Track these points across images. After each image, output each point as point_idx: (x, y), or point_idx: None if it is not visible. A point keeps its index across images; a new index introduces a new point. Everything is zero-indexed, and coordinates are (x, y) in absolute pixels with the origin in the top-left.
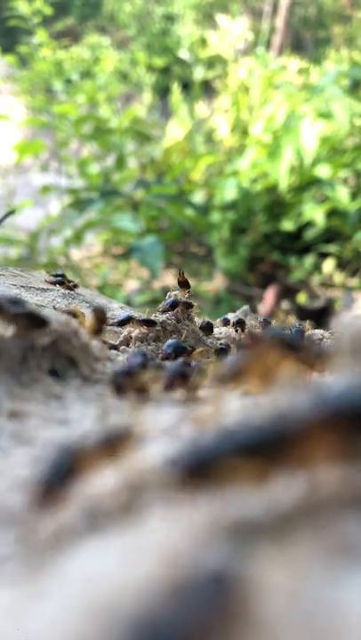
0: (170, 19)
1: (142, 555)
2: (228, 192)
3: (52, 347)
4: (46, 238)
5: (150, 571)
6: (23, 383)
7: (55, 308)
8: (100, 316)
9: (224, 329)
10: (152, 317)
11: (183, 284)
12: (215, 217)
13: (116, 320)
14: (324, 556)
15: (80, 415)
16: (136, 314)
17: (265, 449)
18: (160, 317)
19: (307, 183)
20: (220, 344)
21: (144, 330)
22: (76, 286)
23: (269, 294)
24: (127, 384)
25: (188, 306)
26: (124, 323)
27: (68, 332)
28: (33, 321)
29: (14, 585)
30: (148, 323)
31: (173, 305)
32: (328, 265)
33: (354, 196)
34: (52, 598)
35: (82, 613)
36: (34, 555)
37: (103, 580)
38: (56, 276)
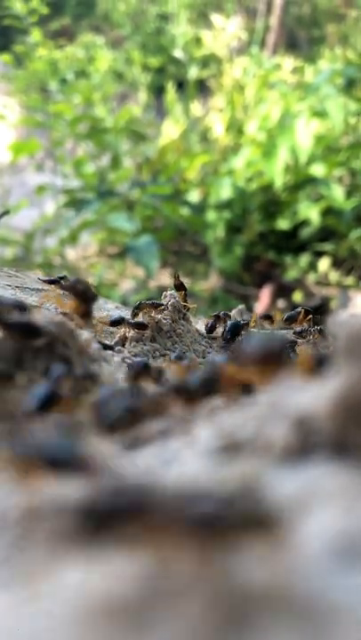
0: (164, 18)
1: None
2: (224, 191)
3: (47, 348)
4: (42, 238)
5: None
6: (18, 385)
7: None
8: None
9: (220, 328)
10: (144, 320)
11: (179, 287)
12: (210, 216)
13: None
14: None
15: None
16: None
17: None
18: (155, 317)
19: (302, 182)
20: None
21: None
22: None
23: (265, 293)
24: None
25: (141, 327)
26: (116, 323)
27: (63, 333)
28: (26, 331)
29: (8, 589)
30: (140, 326)
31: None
32: (323, 263)
33: (349, 194)
34: (46, 602)
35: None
36: (28, 558)
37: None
38: (59, 278)
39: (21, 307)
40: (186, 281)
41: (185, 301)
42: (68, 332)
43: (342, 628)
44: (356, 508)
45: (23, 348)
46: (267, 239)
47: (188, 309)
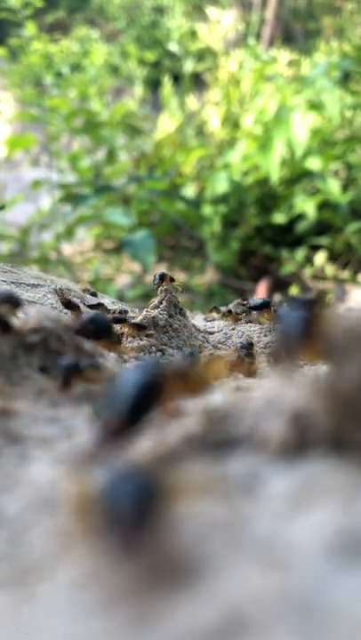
0: (159, 11)
1: None
2: (220, 185)
3: (42, 344)
4: (37, 233)
5: None
6: (13, 381)
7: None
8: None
9: (216, 322)
10: (143, 322)
11: (167, 279)
12: (206, 210)
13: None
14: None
15: (71, 413)
16: (129, 309)
17: None
18: (152, 312)
19: (298, 176)
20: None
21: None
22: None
23: (261, 287)
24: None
25: (141, 328)
26: (117, 321)
27: (58, 328)
28: None
29: (4, 587)
30: (139, 327)
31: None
32: (320, 257)
33: (345, 188)
34: (42, 601)
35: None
36: (25, 556)
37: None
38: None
39: (12, 299)
40: (182, 275)
41: (172, 280)
42: (63, 328)
43: (342, 629)
44: (354, 505)
45: (18, 343)
46: (263, 233)
47: (174, 283)
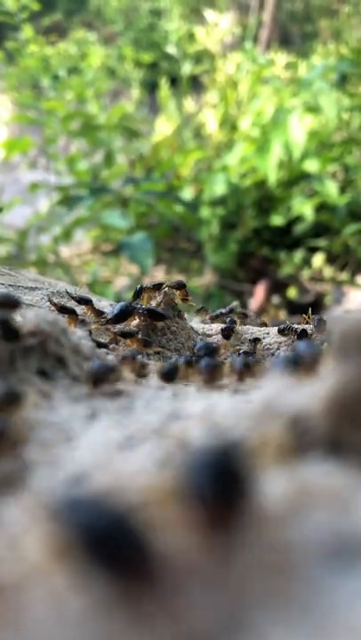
0: (157, 14)
1: None
2: (218, 187)
3: (40, 347)
4: (35, 236)
5: None
6: (11, 384)
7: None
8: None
9: (214, 325)
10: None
11: (179, 287)
12: (204, 212)
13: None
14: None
15: (69, 415)
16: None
17: None
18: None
19: (296, 178)
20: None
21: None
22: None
23: (260, 289)
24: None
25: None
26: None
27: (56, 331)
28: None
29: None
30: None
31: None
32: (318, 259)
33: (342, 190)
34: None
35: None
36: None
37: None
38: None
39: (11, 301)
40: (180, 277)
41: (186, 296)
42: (60, 331)
43: (340, 631)
44: (352, 508)
45: (16, 346)
46: (261, 235)
47: (188, 301)
